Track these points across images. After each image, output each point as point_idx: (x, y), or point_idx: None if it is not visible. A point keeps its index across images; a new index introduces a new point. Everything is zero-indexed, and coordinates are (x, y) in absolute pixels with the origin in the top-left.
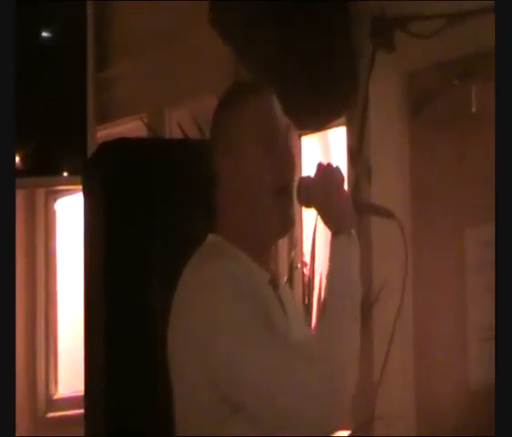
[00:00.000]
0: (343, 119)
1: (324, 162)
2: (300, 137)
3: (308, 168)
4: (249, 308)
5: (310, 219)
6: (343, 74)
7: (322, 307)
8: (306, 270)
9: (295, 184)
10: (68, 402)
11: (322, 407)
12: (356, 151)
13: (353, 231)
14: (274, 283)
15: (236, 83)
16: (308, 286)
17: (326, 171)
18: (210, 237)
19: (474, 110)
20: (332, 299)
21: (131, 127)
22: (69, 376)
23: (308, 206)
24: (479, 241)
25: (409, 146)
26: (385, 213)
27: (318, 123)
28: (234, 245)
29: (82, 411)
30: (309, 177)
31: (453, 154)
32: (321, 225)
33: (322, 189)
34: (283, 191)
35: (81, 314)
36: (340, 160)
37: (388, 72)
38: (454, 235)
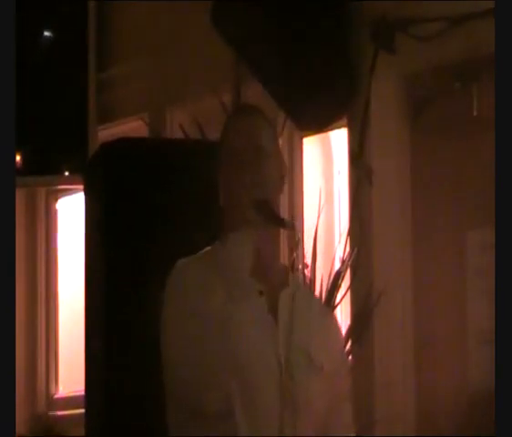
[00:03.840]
0: (344, 121)
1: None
2: (301, 138)
3: (310, 170)
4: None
5: (311, 221)
6: (345, 76)
7: None
8: (307, 272)
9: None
10: (69, 402)
11: None
12: (357, 153)
13: None
14: (269, 293)
15: (244, 104)
16: (309, 287)
17: None
18: (211, 246)
19: (475, 113)
20: None
21: (132, 127)
22: (70, 375)
23: None
24: (480, 244)
25: (410, 148)
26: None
27: (319, 125)
28: (230, 254)
29: (82, 410)
30: None
31: (454, 156)
32: (322, 226)
33: None
34: (259, 207)
35: (82, 313)
36: (341, 161)
37: (389, 74)
38: (454, 237)
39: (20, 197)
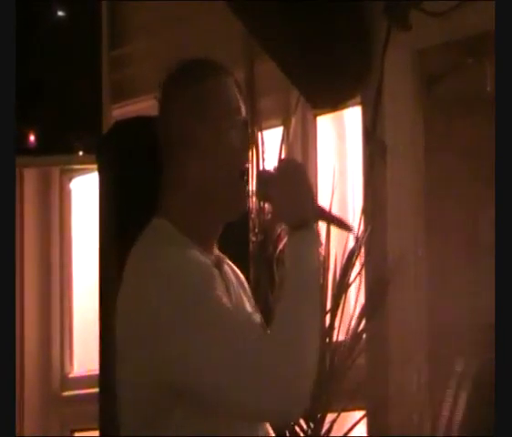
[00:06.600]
0: (358, 99)
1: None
2: (315, 116)
3: (323, 148)
4: (192, 294)
5: (325, 198)
6: (358, 52)
7: (281, 300)
8: (321, 250)
9: (251, 175)
10: (83, 381)
11: (275, 396)
12: (371, 130)
13: (313, 225)
14: (218, 266)
15: (193, 60)
16: (323, 265)
17: (286, 166)
18: (154, 220)
19: (489, 89)
20: (290, 296)
21: (146, 106)
22: (84, 355)
23: (266, 200)
24: (493, 221)
25: (423, 125)
26: (344, 226)
27: (333, 102)
28: (177, 228)
29: (97, 389)
30: (267, 172)
31: (467, 132)
32: (336, 204)
33: (281, 184)
34: (236, 178)
35: (96, 292)
36: (355, 139)
37: (402, 50)
38: (468, 214)
39: (34, 177)
